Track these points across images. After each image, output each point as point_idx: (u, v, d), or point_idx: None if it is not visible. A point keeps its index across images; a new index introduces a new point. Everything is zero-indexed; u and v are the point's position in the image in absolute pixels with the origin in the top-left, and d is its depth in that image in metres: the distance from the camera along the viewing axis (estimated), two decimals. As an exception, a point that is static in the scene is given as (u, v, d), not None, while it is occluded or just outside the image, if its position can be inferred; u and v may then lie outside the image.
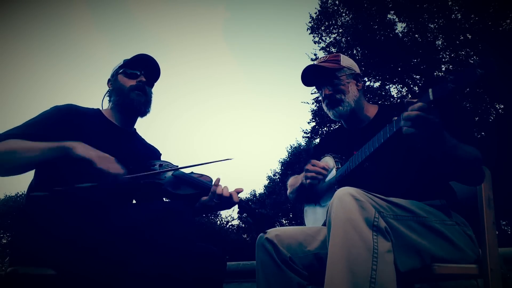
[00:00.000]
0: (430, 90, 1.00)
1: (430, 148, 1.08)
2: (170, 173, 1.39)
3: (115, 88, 1.48)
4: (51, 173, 1.23)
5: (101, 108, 1.51)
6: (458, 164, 1.11)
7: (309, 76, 1.51)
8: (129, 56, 1.50)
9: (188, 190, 1.35)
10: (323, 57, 1.53)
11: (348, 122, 1.51)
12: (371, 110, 1.49)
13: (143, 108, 1.47)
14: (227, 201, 1.29)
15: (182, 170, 1.40)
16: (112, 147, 1.35)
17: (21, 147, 1.15)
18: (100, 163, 1.14)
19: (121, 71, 1.47)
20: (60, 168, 1.20)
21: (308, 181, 1.43)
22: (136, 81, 1.45)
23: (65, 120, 1.31)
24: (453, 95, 0.97)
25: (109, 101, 1.52)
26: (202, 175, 1.42)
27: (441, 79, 1.01)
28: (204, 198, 1.34)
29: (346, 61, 1.50)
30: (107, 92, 1.53)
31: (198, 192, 1.34)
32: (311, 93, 1.59)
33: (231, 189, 1.32)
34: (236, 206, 1.33)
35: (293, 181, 1.65)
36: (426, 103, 1.00)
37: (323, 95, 1.47)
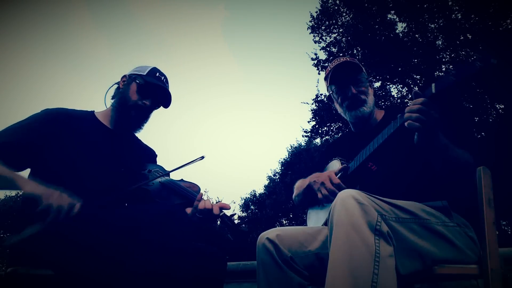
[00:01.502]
0: (433, 84, 1.04)
1: (425, 145, 1.10)
2: (158, 180, 1.37)
3: (123, 92, 1.46)
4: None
5: (105, 99, 1.50)
6: (446, 164, 1.12)
7: (339, 72, 1.50)
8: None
9: (174, 200, 1.33)
10: (342, 57, 1.54)
11: (360, 125, 1.52)
12: (379, 114, 1.52)
13: (137, 126, 1.49)
14: (209, 215, 1.28)
15: (170, 178, 1.39)
16: (102, 151, 1.35)
17: None
18: (47, 199, 1.05)
19: (138, 81, 1.45)
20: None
21: (321, 195, 1.38)
22: (142, 101, 1.44)
23: (53, 124, 1.30)
24: (455, 88, 1.00)
25: (112, 98, 1.51)
26: (191, 183, 1.40)
27: (444, 73, 1.05)
28: (188, 211, 1.32)
29: (361, 65, 1.53)
30: (117, 87, 1.52)
31: (184, 203, 1.33)
32: (329, 92, 1.57)
33: (218, 202, 1.34)
34: (219, 221, 1.33)
35: (300, 184, 1.64)
36: (428, 96, 1.04)
37: (349, 94, 1.47)
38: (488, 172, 1.22)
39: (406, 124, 1.08)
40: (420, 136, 1.09)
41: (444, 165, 1.14)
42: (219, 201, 1.34)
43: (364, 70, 1.52)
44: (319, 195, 1.39)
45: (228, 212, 1.35)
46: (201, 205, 1.27)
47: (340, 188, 1.35)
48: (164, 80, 1.52)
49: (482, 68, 0.93)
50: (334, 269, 0.90)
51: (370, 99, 1.48)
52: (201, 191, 1.35)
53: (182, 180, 1.41)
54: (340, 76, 1.49)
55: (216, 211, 1.27)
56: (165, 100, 1.52)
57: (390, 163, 1.31)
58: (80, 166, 1.26)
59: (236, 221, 1.33)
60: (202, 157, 1.36)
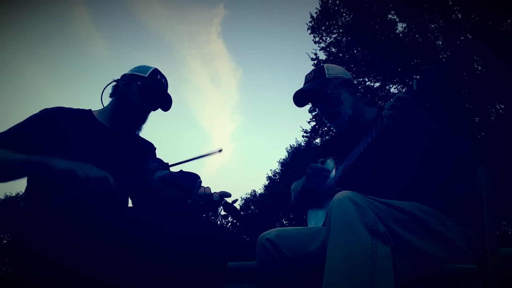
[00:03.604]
0: (414, 81, 1.07)
1: (412, 138, 1.12)
2: (157, 175, 1.37)
3: (122, 92, 1.45)
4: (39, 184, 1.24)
5: (101, 97, 1.49)
6: (445, 153, 1.13)
7: (301, 98, 1.53)
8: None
9: (174, 193, 1.33)
10: (309, 74, 1.53)
11: (348, 128, 1.50)
12: (370, 113, 1.49)
13: (135, 127, 1.48)
14: (209, 201, 1.28)
15: (169, 170, 1.39)
16: (99, 148, 1.35)
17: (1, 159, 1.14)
18: (83, 171, 1.10)
19: (139, 83, 1.43)
20: (45, 181, 1.21)
21: (310, 184, 1.45)
22: (142, 103, 1.43)
23: (53, 123, 1.30)
24: (435, 84, 1.02)
25: (111, 96, 1.50)
26: (191, 173, 1.39)
27: (425, 71, 1.08)
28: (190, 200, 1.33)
29: (332, 71, 1.49)
30: (115, 85, 1.50)
31: (184, 194, 1.33)
32: (309, 111, 1.62)
33: (217, 190, 1.32)
34: (222, 208, 1.33)
35: (296, 186, 1.66)
36: (410, 93, 1.07)
37: (319, 112, 1.50)
38: (488, 171, 1.22)
39: (383, 123, 1.11)
40: (401, 131, 1.11)
41: (442, 155, 1.15)
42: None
43: (331, 78, 1.46)
44: (307, 184, 1.46)
45: (229, 199, 1.34)
46: (200, 191, 1.28)
47: (323, 170, 1.44)
48: (165, 83, 1.51)
49: (459, 61, 0.96)
50: (331, 270, 0.91)
51: (345, 106, 1.43)
52: (200, 179, 1.35)
53: (181, 171, 1.40)
54: (302, 100, 1.53)
55: (215, 196, 1.28)
56: (164, 103, 1.51)
57: (386, 163, 1.31)
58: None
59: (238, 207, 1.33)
60: (220, 150, 1.36)
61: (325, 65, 1.52)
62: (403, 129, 1.09)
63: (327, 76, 1.47)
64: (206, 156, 1.36)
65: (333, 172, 1.46)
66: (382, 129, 1.16)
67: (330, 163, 1.51)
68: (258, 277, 1.28)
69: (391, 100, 1.11)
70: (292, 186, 1.70)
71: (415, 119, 1.10)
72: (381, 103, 12.30)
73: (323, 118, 1.51)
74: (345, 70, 1.55)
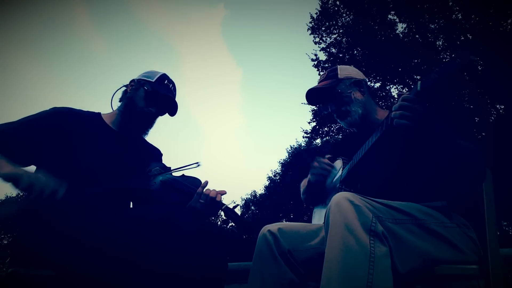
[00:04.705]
0: (418, 82, 1.08)
1: (423, 139, 1.12)
2: (159, 179, 1.38)
3: (130, 97, 1.47)
4: None
5: (111, 101, 1.51)
6: (455, 156, 1.12)
7: (313, 97, 1.57)
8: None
9: (176, 197, 1.34)
10: (323, 74, 1.58)
11: (358, 127, 1.52)
12: (382, 114, 1.50)
13: (142, 132, 1.51)
14: (212, 203, 1.29)
15: (171, 175, 1.40)
16: (106, 151, 1.36)
17: None
18: (29, 179, 1.03)
19: (146, 88, 1.46)
20: None
21: (313, 176, 1.48)
22: (148, 108, 1.45)
23: (60, 122, 1.32)
24: (439, 85, 1.03)
25: (120, 100, 1.53)
26: (193, 178, 1.40)
27: (429, 72, 1.08)
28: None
29: (344, 71, 1.53)
30: (125, 90, 1.53)
31: (185, 199, 1.34)
32: (321, 109, 1.64)
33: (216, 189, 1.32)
34: (223, 212, 1.34)
35: (304, 182, 1.69)
36: (413, 94, 1.08)
37: (331, 110, 1.54)
38: (489, 172, 1.22)
39: (394, 123, 1.10)
40: (412, 131, 1.10)
41: (451, 157, 1.14)
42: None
43: (343, 78, 1.50)
44: (311, 177, 1.48)
45: (230, 204, 1.35)
46: (205, 193, 1.29)
47: (329, 165, 1.47)
48: (172, 88, 1.54)
49: (462, 64, 0.96)
50: (329, 270, 0.91)
51: (355, 105, 1.46)
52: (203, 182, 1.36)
53: (183, 175, 1.41)
54: (315, 99, 1.58)
55: (219, 199, 1.30)
56: (171, 108, 1.54)
57: (388, 164, 1.31)
58: (83, 165, 1.27)
59: (239, 213, 1.35)
60: (198, 164, 1.37)
61: (338, 66, 1.57)
62: (416, 129, 1.09)
63: (339, 76, 1.51)
64: (183, 169, 1.38)
65: (340, 171, 1.48)
66: (386, 129, 1.17)
67: (338, 163, 1.53)
68: (252, 267, 1.29)
69: (398, 101, 1.11)
70: (302, 182, 1.72)
71: (427, 121, 1.09)
72: (381, 103, 12.31)
73: (335, 116, 1.54)
74: (359, 71, 1.58)
